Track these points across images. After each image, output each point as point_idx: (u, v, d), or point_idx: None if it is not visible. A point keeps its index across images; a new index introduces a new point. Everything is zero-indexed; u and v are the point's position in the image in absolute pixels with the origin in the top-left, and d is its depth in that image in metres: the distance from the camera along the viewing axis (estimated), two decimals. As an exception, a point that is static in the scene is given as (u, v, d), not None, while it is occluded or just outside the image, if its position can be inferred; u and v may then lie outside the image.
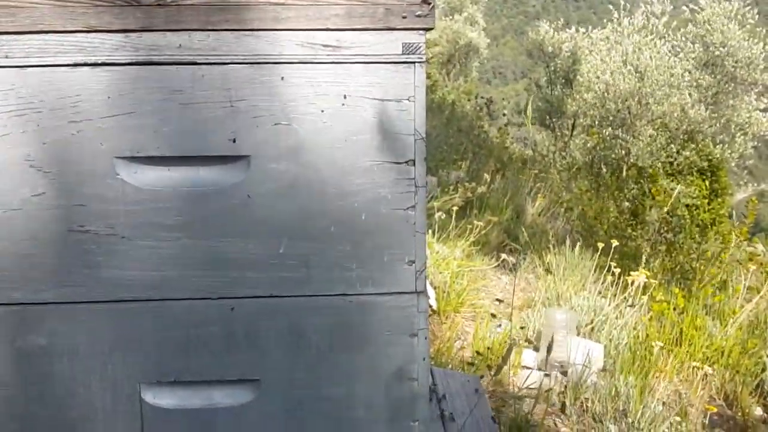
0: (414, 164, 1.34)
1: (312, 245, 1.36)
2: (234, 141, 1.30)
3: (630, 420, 2.27)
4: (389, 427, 1.44)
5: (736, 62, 9.36)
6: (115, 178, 1.30)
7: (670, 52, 9.12)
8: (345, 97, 1.30)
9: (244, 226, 1.34)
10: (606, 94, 9.50)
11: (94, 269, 1.34)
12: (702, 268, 4.16)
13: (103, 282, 1.34)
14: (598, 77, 9.65)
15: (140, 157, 1.30)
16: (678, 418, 2.32)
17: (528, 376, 2.78)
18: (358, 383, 1.42)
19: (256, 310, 1.38)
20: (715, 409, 2.28)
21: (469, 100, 8.55)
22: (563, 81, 9.74)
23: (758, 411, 2.89)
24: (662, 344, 2.66)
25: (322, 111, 1.30)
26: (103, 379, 1.38)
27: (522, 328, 3.17)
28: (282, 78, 1.30)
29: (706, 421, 2.28)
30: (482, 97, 9.07)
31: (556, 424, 2.50)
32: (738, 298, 3.64)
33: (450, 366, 2.82)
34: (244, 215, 1.33)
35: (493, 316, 3.32)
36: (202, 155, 1.30)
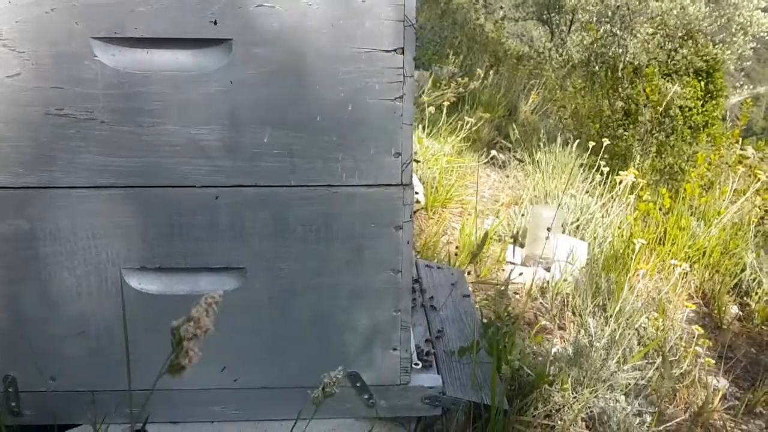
0: (403, 53, 1.30)
1: (297, 135, 1.33)
2: (215, 23, 1.24)
3: (608, 314, 2.33)
4: (372, 316, 1.47)
5: (741, -43, 9.05)
6: (92, 60, 1.26)
7: (675, -56, 8.80)
8: (332, -22, 1.24)
9: (227, 113, 1.30)
10: (607, -12, 9.19)
11: (74, 154, 1.31)
12: (691, 169, 4.16)
13: (83, 167, 1.32)
14: (600, -30, 9.31)
15: (118, 38, 1.25)
16: (655, 314, 2.38)
17: (512, 271, 2.82)
18: (342, 273, 1.43)
19: (241, 199, 1.37)
20: (694, 306, 2.33)
21: (464, -11, 8.28)
22: (563, -26, 9.41)
23: (734, 309, 2.97)
24: (645, 241, 2.69)
25: (308, -7, 1.24)
26: (87, 263, 1.38)
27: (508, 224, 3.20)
28: (266, -44, 1.23)
29: (683, 317, 2.34)
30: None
31: (536, 317, 2.56)
32: (725, 200, 3.66)
33: (436, 260, 2.85)
34: (226, 102, 1.29)
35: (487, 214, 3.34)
36: (182, 37, 1.25)
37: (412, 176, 1.39)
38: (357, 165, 1.36)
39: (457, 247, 2.97)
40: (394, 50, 1.29)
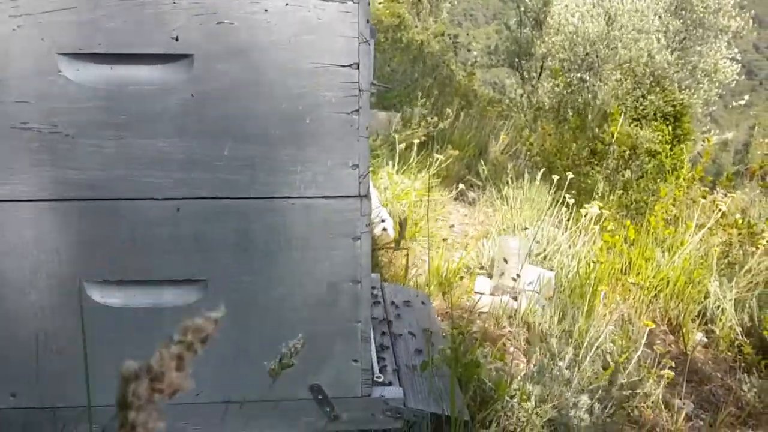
0: (358, 68, 1.35)
1: (256, 147, 1.38)
2: (177, 39, 1.30)
3: (574, 338, 2.36)
4: (333, 326, 1.49)
5: (705, 8, 9.41)
6: (57, 75, 1.30)
7: (641, -5, 9.17)
8: (289, -4, 1.30)
9: (188, 127, 1.35)
10: (575, 37, 9.50)
11: (38, 167, 1.34)
12: (655, 204, 4.26)
13: (47, 180, 1.35)
14: (567, 19, 9.63)
15: (82, 54, 1.29)
16: (619, 339, 2.41)
17: (479, 300, 2.86)
18: (302, 284, 1.46)
19: (202, 211, 1.40)
20: (653, 325, 2.38)
21: (435, 38, 8.48)
22: (533, 22, 9.71)
23: (699, 336, 3.01)
24: (602, 261, 2.75)
25: (266, 10, 1.30)
26: (49, 277, 1.40)
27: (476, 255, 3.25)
28: (226, -24, 1.29)
29: (644, 339, 2.38)
30: (449, 35, 9.00)
31: (504, 345, 2.58)
32: (690, 234, 3.75)
33: (405, 290, 2.88)
34: (187, 115, 1.34)
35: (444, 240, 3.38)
36: (145, 53, 1.30)
37: (369, 188, 1.43)
38: (315, 177, 1.40)
39: (426, 283, 3.00)
40: (350, 65, 1.35)
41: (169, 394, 0.53)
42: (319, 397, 1.53)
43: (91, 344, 1.45)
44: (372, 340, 1.59)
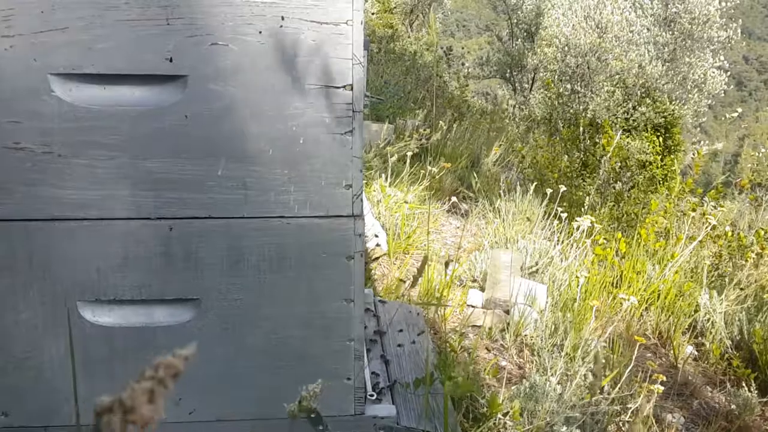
0: (352, 89, 1.36)
1: (250, 168, 1.38)
2: (171, 60, 1.30)
3: (565, 352, 2.37)
4: (326, 345, 1.49)
5: (693, 19, 9.49)
6: (50, 95, 1.30)
7: (631, 7, 9.23)
8: (283, 18, 1.31)
9: (182, 147, 1.35)
10: (566, 48, 9.56)
11: (30, 187, 1.34)
12: (646, 217, 4.28)
13: (39, 200, 1.35)
14: (561, 31, 9.69)
15: (75, 74, 1.30)
16: (610, 353, 2.42)
17: (471, 314, 2.86)
18: (295, 303, 1.46)
19: (195, 230, 1.40)
20: (644, 341, 2.39)
21: (428, 49, 8.53)
22: (525, 34, 9.77)
23: (689, 349, 3.03)
24: (588, 275, 2.76)
25: (260, 32, 1.31)
26: (41, 296, 1.40)
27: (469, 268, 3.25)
28: (220, -2, 1.30)
29: (636, 353, 2.39)
30: (441, 48, 9.05)
31: (496, 358, 2.59)
32: (681, 247, 3.77)
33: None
34: (181, 136, 1.34)
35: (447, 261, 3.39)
36: (138, 74, 1.31)
37: (363, 207, 1.44)
38: (309, 197, 1.41)
39: (419, 295, 3.00)
40: (344, 86, 1.36)
41: (142, 426, 0.52)
42: (312, 415, 1.52)
43: (84, 363, 1.45)
44: (365, 358, 1.60)
